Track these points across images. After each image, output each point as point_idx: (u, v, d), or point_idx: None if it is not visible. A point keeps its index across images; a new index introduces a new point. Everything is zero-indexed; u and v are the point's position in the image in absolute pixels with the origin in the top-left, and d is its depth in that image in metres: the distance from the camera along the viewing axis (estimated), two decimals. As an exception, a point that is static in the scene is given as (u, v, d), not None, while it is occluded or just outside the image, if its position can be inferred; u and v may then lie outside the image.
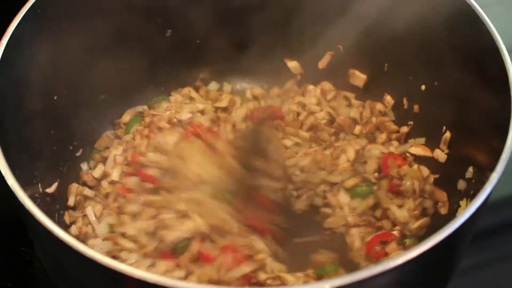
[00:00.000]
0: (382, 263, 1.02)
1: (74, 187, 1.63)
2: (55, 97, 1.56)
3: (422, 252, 1.05)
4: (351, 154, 1.66)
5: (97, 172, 1.67)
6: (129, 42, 1.69)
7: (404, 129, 1.71)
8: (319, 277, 1.43)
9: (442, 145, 1.60)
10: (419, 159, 1.66)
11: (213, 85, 1.89)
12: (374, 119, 1.75)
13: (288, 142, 1.71)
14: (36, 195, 1.50)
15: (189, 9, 1.73)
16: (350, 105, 1.79)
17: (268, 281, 1.39)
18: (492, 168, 1.18)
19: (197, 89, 1.87)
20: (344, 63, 1.81)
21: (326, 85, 1.84)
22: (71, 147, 1.68)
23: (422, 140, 1.68)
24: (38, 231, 1.13)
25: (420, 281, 1.23)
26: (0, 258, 1.63)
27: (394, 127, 1.73)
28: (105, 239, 1.50)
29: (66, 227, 1.55)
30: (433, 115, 1.63)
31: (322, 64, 1.84)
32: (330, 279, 1.00)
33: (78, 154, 1.70)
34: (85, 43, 1.58)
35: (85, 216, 1.58)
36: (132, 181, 1.60)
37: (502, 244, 1.69)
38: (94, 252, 1.03)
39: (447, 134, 1.59)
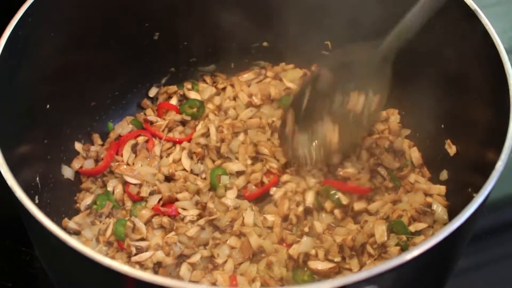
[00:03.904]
0: (381, 263, 1.03)
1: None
2: (48, 106, 1.56)
3: (422, 252, 1.05)
4: None
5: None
6: (118, 47, 1.70)
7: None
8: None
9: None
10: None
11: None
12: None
13: None
14: (36, 202, 1.52)
15: (176, 13, 1.74)
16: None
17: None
18: (490, 168, 1.19)
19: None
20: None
21: None
22: (64, 158, 1.68)
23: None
24: (38, 231, 1.13)
25: (419, 281, 1.24)
26: (0, 258, 1.64)
27: None
28: None
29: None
30: (430, 113, 1.64)
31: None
32: (329, 280, 1.02)
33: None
34: (74, 51, 1.58)
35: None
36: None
37: (502, 244, 1.70)
38: (93, 252, 1.04)
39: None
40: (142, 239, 1.55)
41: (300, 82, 1.75)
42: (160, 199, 1.61)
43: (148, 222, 1.59)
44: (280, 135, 1.71)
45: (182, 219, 1.57)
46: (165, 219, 1.56)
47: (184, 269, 1.48)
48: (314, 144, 1.63)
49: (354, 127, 1.61)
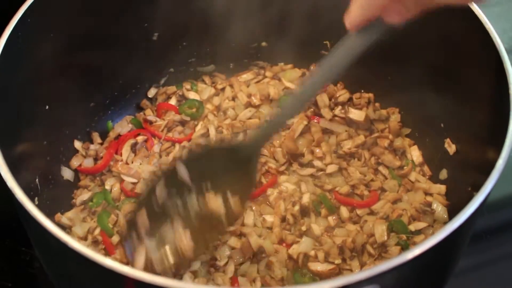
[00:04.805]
0: (381, 263, 1.03)
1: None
2: (47, 107, 1.56)
3: (423, 251, 1.05)
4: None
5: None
6: (117, 48, 1.70)
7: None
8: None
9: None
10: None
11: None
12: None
13: None
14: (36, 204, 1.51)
15: (175, 13, 1.73)
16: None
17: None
18: (490, 167, 1.19)
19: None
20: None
21: None
22: (64, 159, 1.68)
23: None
24: (38, 232, 1.13)
25: (420, 280, 1.24)
26: (0, 258, 1.64)
27: None
28: None
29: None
30: (430, 112, 1.65)
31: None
32: (328, 280, 1.01)
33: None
34: (73, 51, 1.58)
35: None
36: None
37: (502, 244, 1.70)
38: (93, 252, 1.05)
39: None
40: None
41: (151, 176, 1.53)
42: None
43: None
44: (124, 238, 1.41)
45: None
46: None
47: (186, 278, 1.47)
48: (166, 249, 1.40)
49: (212, 229, 1.43)
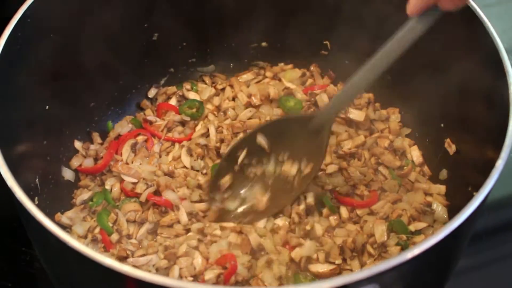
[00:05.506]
0: (380, 263, 1.03)
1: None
2: (47, 107, 1.56)
3: (423, 251, 1.06)
4: None
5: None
6: (117, 48, 1.70)
7: None
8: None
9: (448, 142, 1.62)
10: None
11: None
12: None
13: None
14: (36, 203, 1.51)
15: (175, 14, 1.74)
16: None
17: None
18: (490, 167, 1.19)
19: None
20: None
21: None
22: (64, 159, 1.68)
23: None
24: (38, 231, 1.13)
25: (420, 280, 1.24)
26: (0, 258, 1.64)
27: None
28: None
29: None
30: (430, 112, 1.65)
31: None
32: (328, 279, 1.01)
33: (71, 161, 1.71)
34: (73, 51, 1.58)
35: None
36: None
37: (502, 244, 1.70)
38: (93, 252, 1.04)
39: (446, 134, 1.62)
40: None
41: (237, 139, 1.70)
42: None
43: (129, 212, 1.61)
44: (211, 185, 1.65)
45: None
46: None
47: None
48: (243, 201, 1.63)
49: (284, 192, 1.60)
